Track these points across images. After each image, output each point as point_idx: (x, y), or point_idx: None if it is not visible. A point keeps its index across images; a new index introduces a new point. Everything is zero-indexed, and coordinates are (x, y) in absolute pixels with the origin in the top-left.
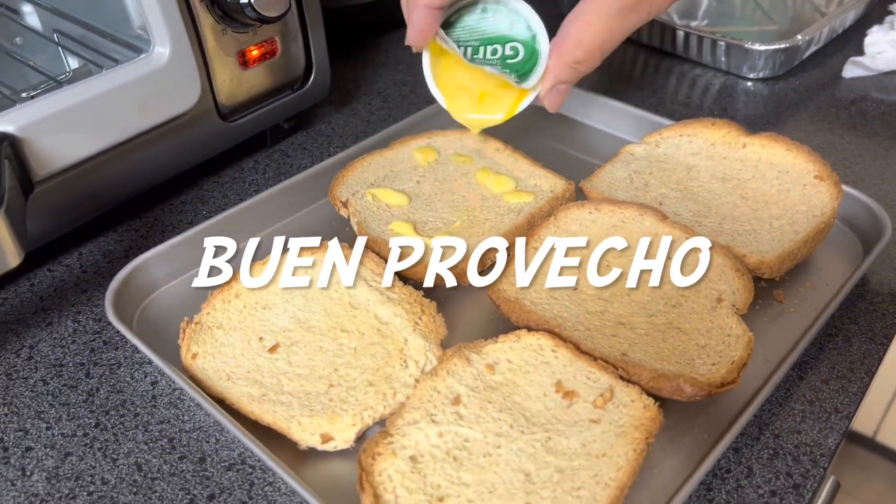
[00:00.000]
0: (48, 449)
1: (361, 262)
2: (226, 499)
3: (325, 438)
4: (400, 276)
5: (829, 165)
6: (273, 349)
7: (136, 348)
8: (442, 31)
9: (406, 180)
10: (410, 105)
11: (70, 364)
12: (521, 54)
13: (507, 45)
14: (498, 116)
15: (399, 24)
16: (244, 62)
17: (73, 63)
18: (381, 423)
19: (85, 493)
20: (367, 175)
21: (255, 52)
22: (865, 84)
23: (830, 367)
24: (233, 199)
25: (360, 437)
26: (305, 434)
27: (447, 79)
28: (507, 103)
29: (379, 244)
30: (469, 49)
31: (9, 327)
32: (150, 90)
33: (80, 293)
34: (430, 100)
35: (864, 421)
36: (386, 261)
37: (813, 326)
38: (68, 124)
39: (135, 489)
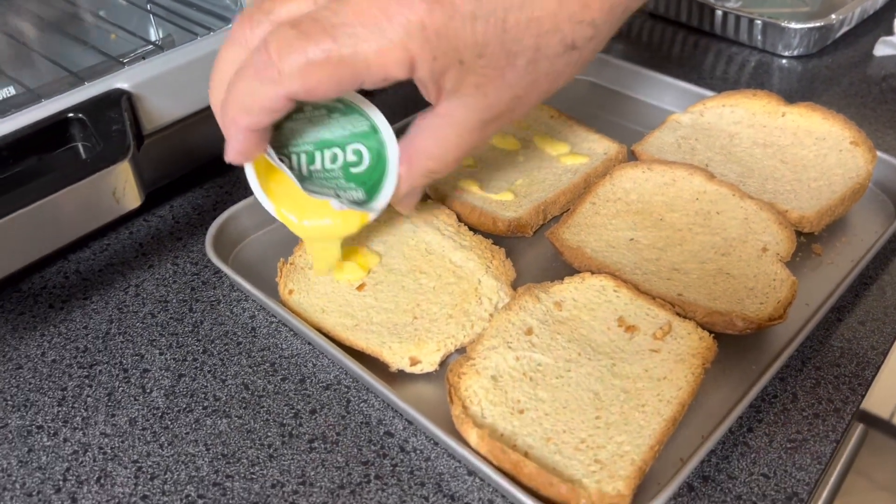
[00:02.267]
0: (163, 371)
1: (434, 215)
2: (326, 413)
3: (414, 361)
4: (470, 227)
5: (864, 133)
6: (360, 288)
7: (233, 287)
8: (270, 149)
9: None
10: None
11: (174, 300)
12: (366, 160)
13: (349, 149)
14: (347, 229)
15: None
16: None
17: (161, 33)
18: (461, 350)
19: (200, 407)
20: None
21: None
22: (895, 62)
23: (866, 312)
24: None
25: (443, 363)
26: (396, 357)
27: (281, 188)
28: (352, 214)
29: (448, 200)
30: (304, 157)
31: (115, 269)
32: None
33: (175, 240)
34: None
35: (880, 404)
36: (456, 214)
37: (850, 275)
38: (172, 84)
39: (244, 404)
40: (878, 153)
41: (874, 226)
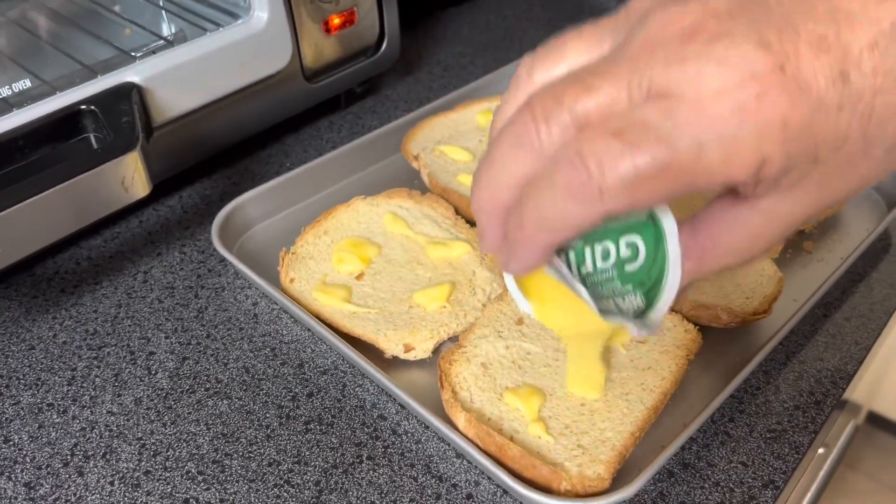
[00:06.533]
0: (168, 354)
1: (433, 208)
2: (322, 396)
3: (408, 348)
4: (467, 220)
5: None
6: (359, 277)
7: (237, 275)
8: (557, 259)
9: (469, 139)
10: (469, 74)
11: (180, 287)
12: (642, 255)
13: (622, 242)
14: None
15: (458, 0)
16: (327, 29)
17: (172, 28)
18: (454, 338)
19: (203, 389)
20: (434, 134)
21: (336, 21)
22: None
23: (852, 308)
24: (312, 153)
25: (436, 350)
26: (391, 344)
27: (531, 281)
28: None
29: (447, 193)
30: (572, 257)
31: (124, 256)
32: (250, 51)
33: (183, 229)
34: (488, 69)
35: (888, 405)
36: (454, 207)
37: (836, 271)
38: (182, 78)
39: (245, 387)
40: None
41: (866, 224)
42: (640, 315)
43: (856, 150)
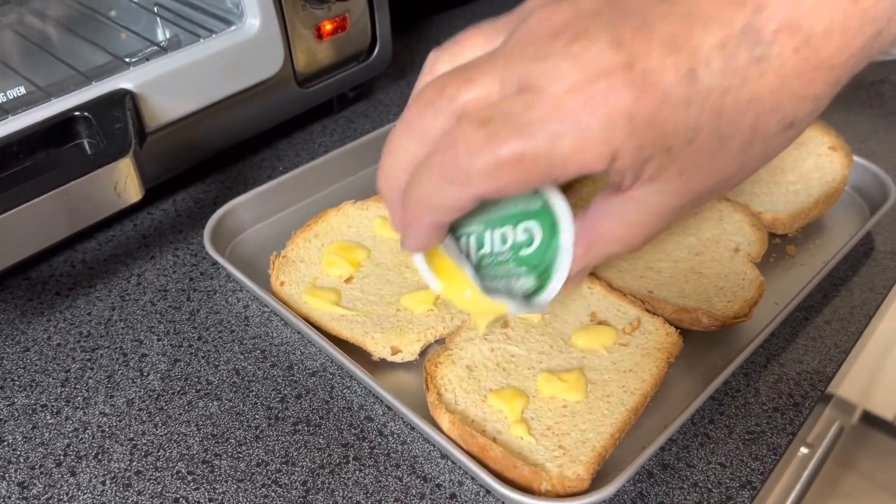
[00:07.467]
0: (160, 356)
1: None
2: (311, 398)
3: (395, 351)
4: None
5: (843, 138)
6: (348, 280)
7: (230, 278)
8: (449, 239)
9: None
10: None
11: (173, 290)
12: (537, 240)
13: (520, 228)
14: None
15: (451, 4)
16: (319, 35)
17: (167, 33)
18: (440, 341)
19: (193, 390)
20: None
21: (328, 27)
22: (885, 68)
23: (833, 311)
24: (304, 157)
25: (423, 353)
26: (378, 346)
27: (442, 261)
28: None
29: None
30: (472, 240)
31: (118, 259)
32: (242, 57)
33: (176, 233)
34: None
35: (884, 405)
36: None
37: (818, 275)
38: (175, 84)
39: (235, 388)
40: (855, 158)
41: (849, 229)
42: (532, 295)
43: (710, 143)
